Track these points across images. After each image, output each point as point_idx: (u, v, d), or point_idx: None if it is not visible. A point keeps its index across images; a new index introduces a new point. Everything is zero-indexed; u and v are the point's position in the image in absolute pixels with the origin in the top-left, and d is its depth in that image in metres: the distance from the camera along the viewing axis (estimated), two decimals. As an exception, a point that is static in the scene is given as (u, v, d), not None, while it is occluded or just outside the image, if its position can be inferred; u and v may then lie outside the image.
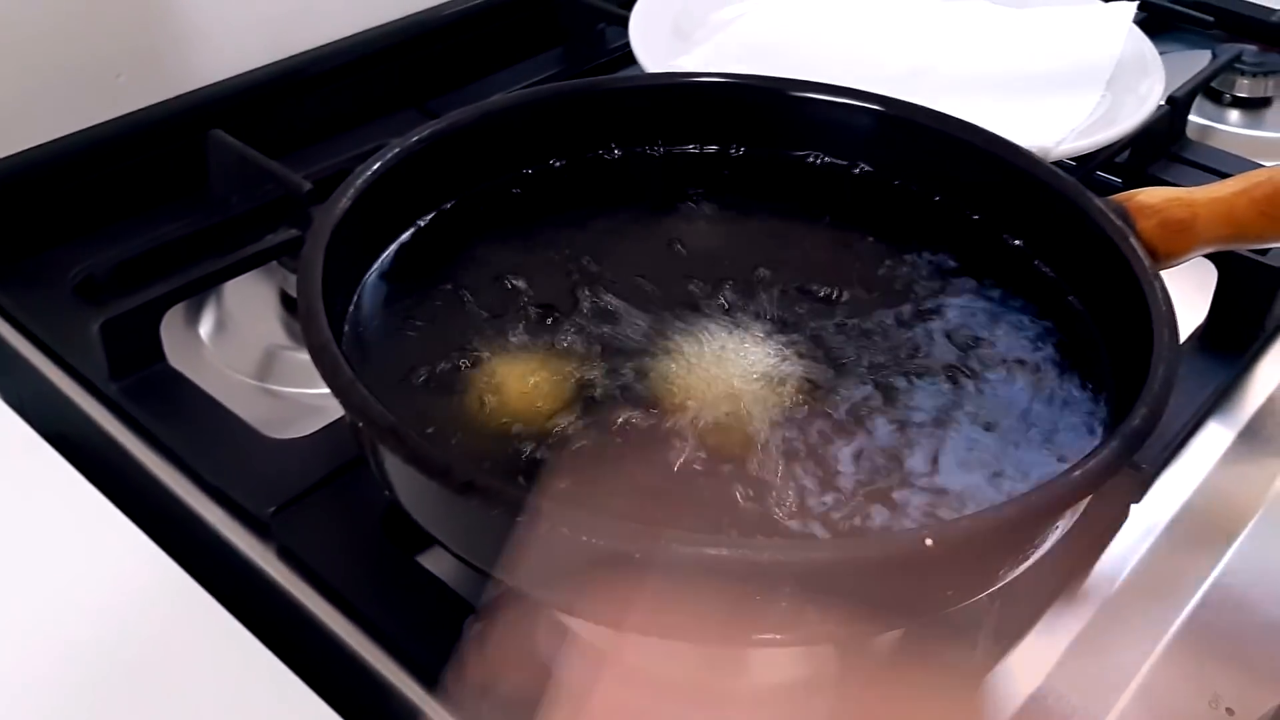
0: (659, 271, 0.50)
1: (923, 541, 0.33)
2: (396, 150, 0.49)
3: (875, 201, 0.55)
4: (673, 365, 0.45)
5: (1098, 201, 0.49)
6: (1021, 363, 0.47)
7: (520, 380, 0.44)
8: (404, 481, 0.40)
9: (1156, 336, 0.42)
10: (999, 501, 0.40)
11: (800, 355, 0.46)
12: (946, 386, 0.45)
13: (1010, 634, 0.45)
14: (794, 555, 0.34)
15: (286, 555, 0.47)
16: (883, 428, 0.43)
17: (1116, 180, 0.70)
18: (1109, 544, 0.50)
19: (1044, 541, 0.39)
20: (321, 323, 0.40)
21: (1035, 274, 0.51)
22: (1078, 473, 0.36)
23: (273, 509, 0.48)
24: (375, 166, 0.48)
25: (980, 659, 0.44)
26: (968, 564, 0.37)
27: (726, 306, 0.48)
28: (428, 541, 0.44)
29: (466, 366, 0.45)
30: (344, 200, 0.46)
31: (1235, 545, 0.50)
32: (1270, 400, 0.58)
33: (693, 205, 0.54)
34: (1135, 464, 0.51)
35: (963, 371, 0.46)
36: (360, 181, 0.47)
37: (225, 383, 0.58)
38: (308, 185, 0.62)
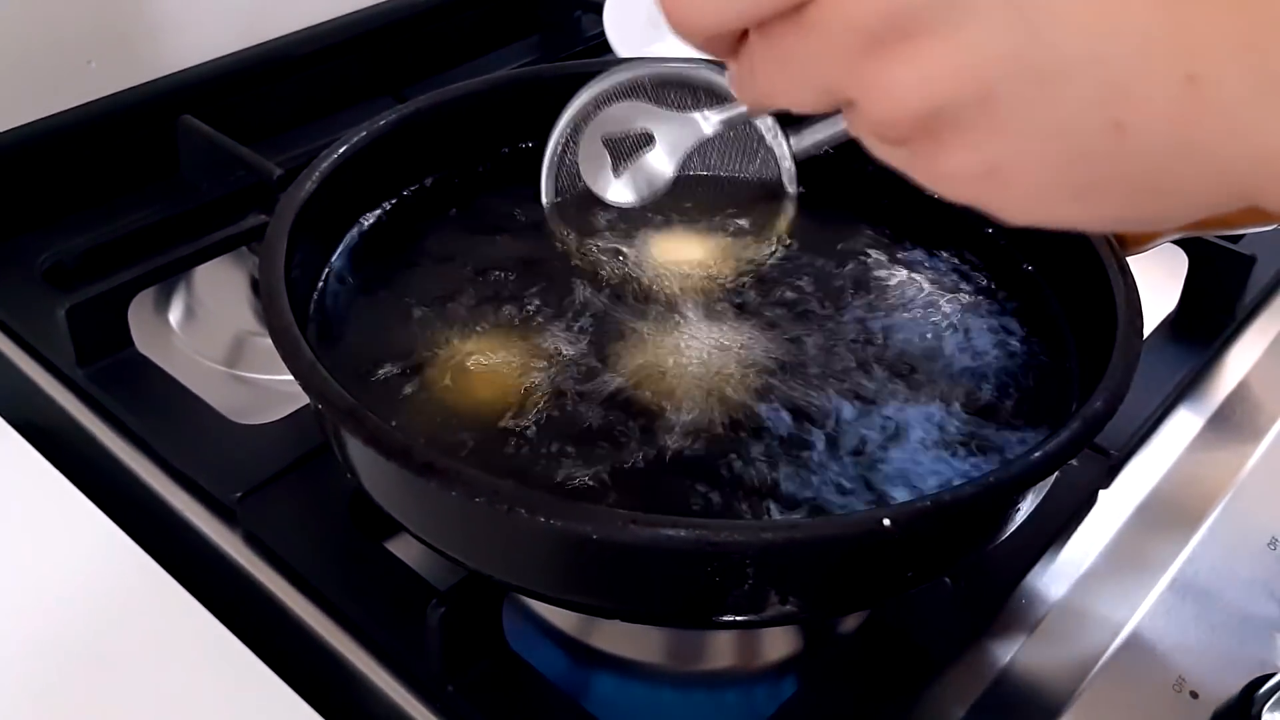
0: (630, 256, 0.50)
1: (880, 522, 0.33)
2: (362, 134, 0.49)
3: (843, 184, 0.55)
4: (640, 349, 0.45)
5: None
6: (986, 346, 0.47)
7: (485, 364, 0.44)
8: (366, 464, 0.39)
9: (1120, 320, 0.42)
10: (959, 482, 0.40)
11: (764, 336, 0.46)
12: (908, 367, 0.45)
13: (976, 617, 0.46)
14: (750, 535, 0.33)
15: (253, 541, 0.47)
16: (844, 406, 0.43)
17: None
18: (1077, 528, 0.50)
19: (1006, 523, 0.39)
20: (283, 305, 0.40)
21: (1001, 257, 0.51)
22: (1038, 454, 0.36)
23: (239, 494, 0.48)
24: (341, 151, 0.48)
25: (946, 642, 0.44)
26: (927, 545, 0.37)
27: (695, 287, 0.48)
28: (394, 527, 0.44)
29: (432, 350, 0.45)
30: (309, 184, 0.46)
31: (1202, 531, 0.51)
32: (1240, 387, 0.58)
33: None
34: (1103, 449, 0.51)
35: (924, 351, 0.46)
36: (325, 165, 0.47)
37: (194, 369, 0.58)
38: (278, 171, 0.62)
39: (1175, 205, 0.25)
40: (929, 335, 0.47)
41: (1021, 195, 0.25)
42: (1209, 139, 0.22)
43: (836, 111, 0.28)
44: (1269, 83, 0.22)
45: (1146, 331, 0.44)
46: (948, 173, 0.25)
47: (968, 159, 0.25)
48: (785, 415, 0.43)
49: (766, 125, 0.52)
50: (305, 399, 0.51)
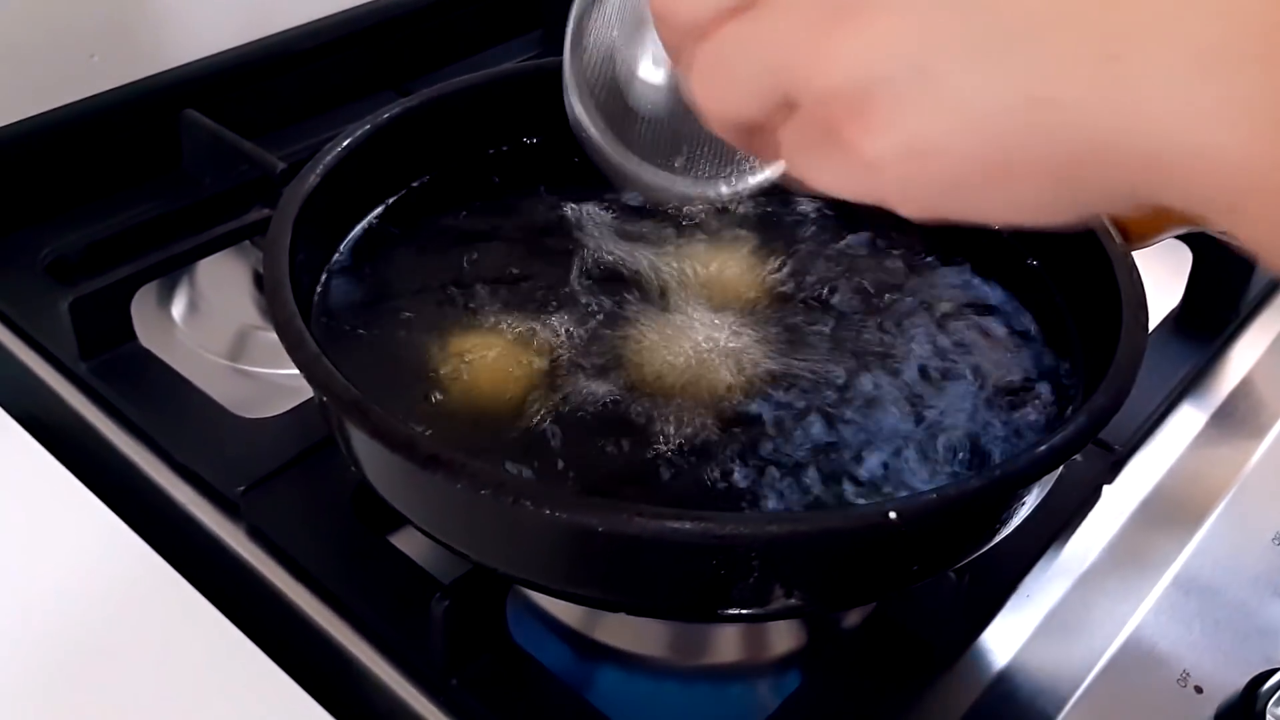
0: (632, 250, 0.50)
1: (886, 515, 0.33)
2: (366, 128, 0.49)
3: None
4: (648, 344, 0.45)
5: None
6: (992, 341, 0.47)
7: (490, 357, 0.44)
8: (370, 457, 0.39)
9: (1125, 314, 0.42)
10: (964, 476, 0.40)
11: (768, 333, 0.46)
12: (911, 363, 0.45)
13: (980, 612, 0.46)
14: (756, 528, 0.33)
15: (256, 535, 0.47)
16: (848, 401, 0.43)
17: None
18: (1081, 523, 0.50)
19: (1011, 516, 0.39)
20: (287, 297, 0.40)
21: (1006, 252, 0.51)
22: (1042, 448, 0.36)
23: (243, 488, 0.48)
24: (344, 144, 0.48)
25: (949, 637, 0.44)
26: (932, 538, 0.37)
27: (696, 281, 0.48)
28: (397, 521, 0.44)
29: (435, 342, 0.45)
30: (312, 178, 0.46)
31: (1206, 526, 0.51)
32: (1243, 383, 0.58)
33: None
34: (1107, 445, 0.51)
35: (929, 346, 0.46)
36: (329, 159, 0.47)
37: (197, 362, 0.58)
38: (282, 165, 0.62)
39: (1087, 192, 0.25)
40: (933, 331, 0.47)
41: (942, 177, 0.26)
42: (1123, 119, 0.23)
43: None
44: (1181, 65, 0.22)
45: (1150, 327, 0.44)
46: (875, 156, 0.26)
47: (896, 138, 0.25)
48: (788, 412, 0.43)
49: None
50: (308, 393, 0.51)
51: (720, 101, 0.29)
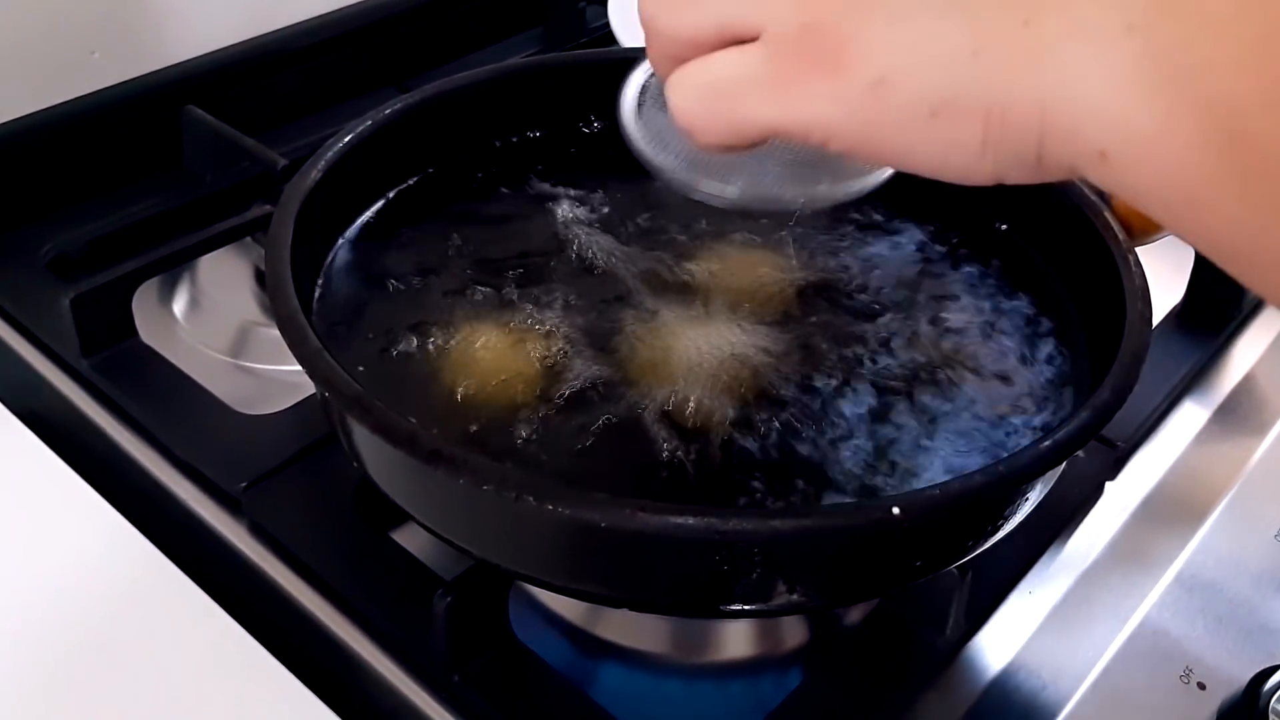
0: (632, 245, 0.50)
1: (890, 510, 0.33)
2: (367, 124, 0.49)
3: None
4: (645, 337, 0.45)
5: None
6: (996, 337, 0.47)
7: (492, 352, 0.44)
8: (372, 452, 0.39)
9: (1129, 310, 0.42)
10: (967, 471, 0.40)
11: (770, 328, 0.46)
12: (918, 358, 0.45)
13: (982, 609, 0.45)
14: (759, 524, 0.33)
15: (258, 531, 0.47)
16: (851, 397, 0.43)
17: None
18: (1083, 520, 0.50)
19: (1014, 512, 0.39)
20: (289, 292, 0.40)
21: (1010, 247, 0.51)
22: (1046, 443, 0.36)
23: (244, 484, 0.48)
24: (346, 140, 0.48)
25: (952, 634, 0.44)
26: (936, 534, 0.37)
27: (697, 276, 0.48)
28: (399, 517, 0.44)
29: (438, 338, 0.45)
30: (314, 173, 0.46)
31: (1208, 523, 0.50)
32: (1246, 379, 0.58)
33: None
34: (1110, 441, 0.51)
35: (935, 343, 0.46)
36: (330, 155, 0.47)
37: (198, 359, 0.58)
38: (283, 162, 0.62)
39: (1005, 145, 0.28)
40: (936, 326, 0.47)
41: (898, 112, 0.29)
42: (1031, 77, 0.26)
43: None
44: (1073, 32, 0.25)
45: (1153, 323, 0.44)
46: (844, 88, 0.29)
47: (869, 73, 0.28)
48: (792, 410, 0.43)
49: None
50: (310, 389, 0.51)
51: (688, 10, 0.31)
